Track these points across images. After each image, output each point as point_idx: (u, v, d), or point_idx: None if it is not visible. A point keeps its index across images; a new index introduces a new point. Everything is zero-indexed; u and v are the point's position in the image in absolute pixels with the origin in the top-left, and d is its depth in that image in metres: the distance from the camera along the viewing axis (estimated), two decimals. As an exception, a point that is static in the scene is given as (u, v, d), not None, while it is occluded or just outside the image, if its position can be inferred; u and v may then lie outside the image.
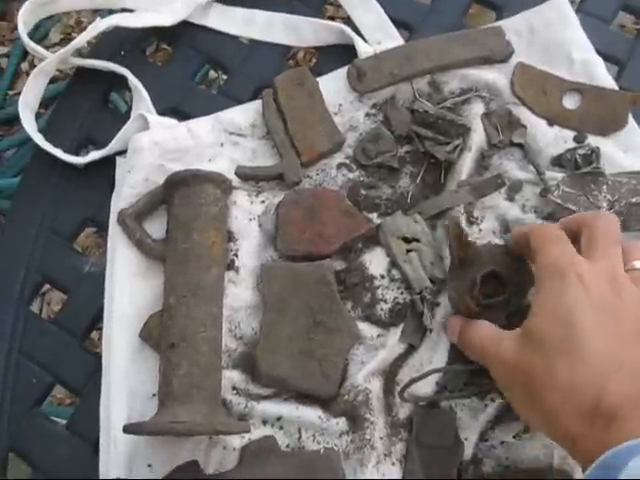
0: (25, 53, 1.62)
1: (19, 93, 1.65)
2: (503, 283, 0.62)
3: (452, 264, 0.64)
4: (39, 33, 1.61)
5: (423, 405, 0.63)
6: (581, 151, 0.70)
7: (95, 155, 0.72)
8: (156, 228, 0.68)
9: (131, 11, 0.78)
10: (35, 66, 0.76)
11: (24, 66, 1.63)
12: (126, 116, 0.74)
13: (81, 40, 0.73)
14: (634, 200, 0.66)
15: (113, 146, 0.71)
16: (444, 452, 0.62)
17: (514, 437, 0.62)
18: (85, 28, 0.75)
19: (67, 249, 0.72)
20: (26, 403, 0.67)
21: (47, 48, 0.79)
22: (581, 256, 0.55)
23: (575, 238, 0.57)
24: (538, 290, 0.55)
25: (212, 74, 1.52)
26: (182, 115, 0.74)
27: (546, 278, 0.55)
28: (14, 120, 1.62)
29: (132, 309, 0.65)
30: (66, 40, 1.60)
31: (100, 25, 0.74)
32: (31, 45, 0.75)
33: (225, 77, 0.80)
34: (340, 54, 0.76)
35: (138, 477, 0.61)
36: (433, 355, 0.64)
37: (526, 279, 0.62)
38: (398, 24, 0.77)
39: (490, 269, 0.61)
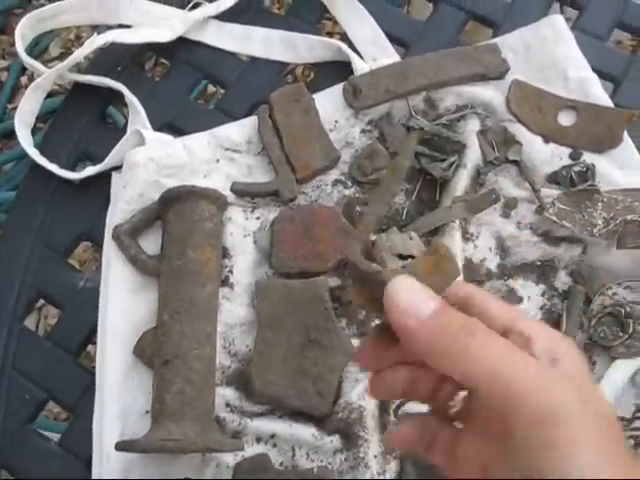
0: (24, 67, 1.62)
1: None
2: None
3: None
4: (38, 48, 1.61)
5: (418, 423, 0.63)
6: (577, 168, 0.70)
7: (91, 171, 0.72)
8: (151, 244, 0.68)
9: (129, 27, 0.78)
10: (34, 80, 0.77)
11: (24, 80, 1.63)
12: (122, 131, 0.74)
13: (79, 55, 0.73)
14: (630, 217, 0.66)
15: (109, 161, 0.71)
16: (439, 470, 0.61)
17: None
18: (84, 43, 0.75)
19: (62, 264, 0.72)
20: (19, 419, 0.67)
21: (46, 62, 0.80)
22: None
23: None
24: None
25: (211, 89, 1.52)
26: (178, 131, 0.74)
27: None
28: (13, 133, 1.61)
29: (126, 325, 0.65)
30: (65, 54, 1.60)
31: (98, 40, 0.74)
32: (28, 60, 0.76)
33: (223, 91, 0.80)
34: (337, 70, 0.76)
35: (131, 494, 0.61)
36: (428, 373, 0.63)
37: None
38: (394, 40, 0.77)
39: None
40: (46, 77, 0.74)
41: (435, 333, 0.37)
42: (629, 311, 0.65)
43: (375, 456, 0.61)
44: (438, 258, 0.41)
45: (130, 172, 0.69)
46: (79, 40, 1.64)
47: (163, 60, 1.37)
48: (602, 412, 0.35)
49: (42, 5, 1.73)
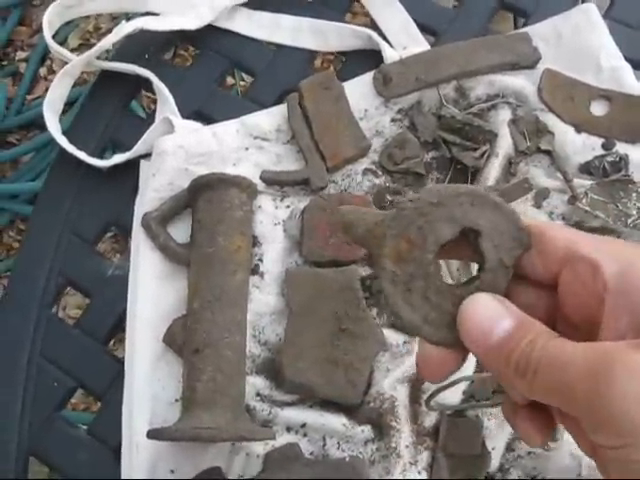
0: (43, 58, 1.62)
1: (37, 98, 1.67)
2: None
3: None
4: (58, 38, 1.60)
5: (449, 414, 0.62)
6: (609, 158, 0.69)
7: (119, 158, 0.71)
8: (180, 232, 0.67)
9: (155, 14, 0.77)
10: (54, 71, 0.77)
11: (42, 71, 1.63)
12: (149, 120, 0.74)
13: (106, 43, 0.73)
14: (665, 208, 0.65)
15: (138, 149, 0.71)
16: (471, 461, 0.61)
17: (541, 447, 0.61)
18: (103, 34, 0.76)
19: (90, 252, 0.71)
20: (47, 407, 0.67)
21: None
22: None
23: None
24: None
25: (229, 80, 1.52)
26: (206, 119, 0.74)
27: None
28: (32, 124, 1.63)
29: (155, 313, 0.65)
30: (85, 46, 1.60)
31: (126, 28, 0.73)
32: (56, 47, 0.75)
33: (242, 83, 0.79)
34: (362, 59, 0.76)
35: (161, 483, 0.61)
36: (460, 363, 0.63)
37: None
38: (423, 29, 0.77)
39: None
40: (74, 64, 0.74)
41: (501, 363, 0.34)
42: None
43: (407, 446, 0.61)
44: None
45: (159, 160, 0.68)
46: (98, 31, 1.64)
47: (182, 52, 1.38)
48: None
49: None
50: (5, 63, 1.73)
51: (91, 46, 0.77)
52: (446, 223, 0.37)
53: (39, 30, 1.69)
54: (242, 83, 1.34)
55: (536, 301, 0.37)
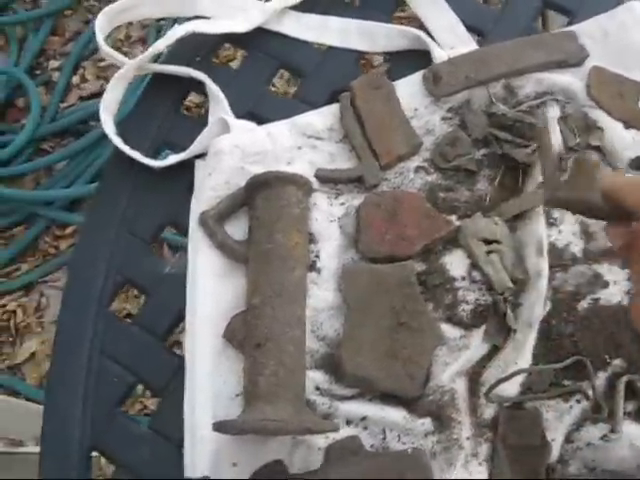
0: (76, 67, 1.64)
1: (70, 106, 1.69)
2: None
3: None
4: (89, 48, 1.63)
5: (508, 406, 0.63)
6: (660, 153, 0.69)
7: (175, 158, 0.73)
8: (236, 230, 0.68)
9: (205, 18, 0.79)
10: (86, 80, 0.78)
11: (75, 79, 1.65)
12: (201, 121, 0.75)
13: (159, 46, 0.74)
14: None
15: (193, 149, 0.72)
16: (531, 452, 0.61)
17: (600, 439, 0.61)
18: (134, 42, 0.77)
19: (146, 251, 0.73)
20: (108, 403, 0.68)
21: (97, 62, 0.80)
22: None
23: None
24: None
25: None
26: (257, 119, 0.75)
27: None
28: (65, 132, 1.65)
29: (214, 310, 0.66)
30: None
31: (178, 31, 0.75)
32: (108, 50, 0.76)
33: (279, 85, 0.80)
34: (407, 60, 0.77)
35: (224, 476, 0.62)
36: (517, 356, 0.64)
37: None
38: (469, 29, 0.78)
39: None
40: (129, 67, 0.76)
41: None
42: None
43: (468, 438, 0.61)
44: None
45: (215, 159, 0.70)
46: (129, 40, 1.66)
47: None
48: None
49: (92, 6, 1.77)
50: (38, 72, 1.76)
51: (123, 54, 0.79)
52: None
53: (71, 39, 1.71)
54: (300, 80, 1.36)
55: None
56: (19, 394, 1.47)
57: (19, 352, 1.55)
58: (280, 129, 0.72)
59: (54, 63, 1.73)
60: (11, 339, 1.57)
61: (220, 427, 0.59)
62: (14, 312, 1.58)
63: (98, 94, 1.61)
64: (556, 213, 0.69)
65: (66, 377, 0.69)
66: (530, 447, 0.61)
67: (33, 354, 1.54)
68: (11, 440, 1.27)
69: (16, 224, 1.64)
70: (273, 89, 1.39)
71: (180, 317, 0.69)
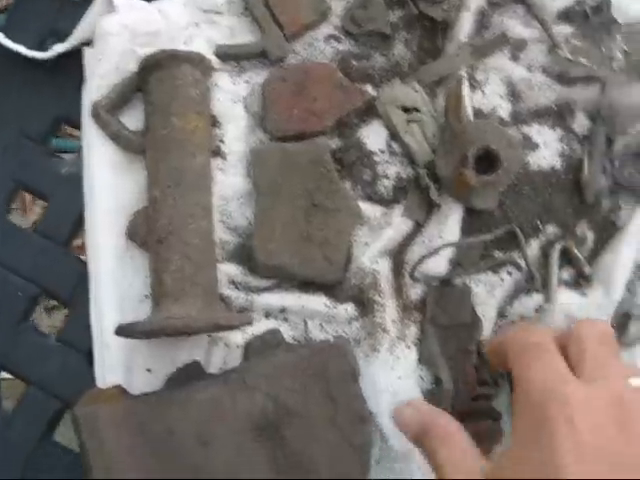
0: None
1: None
2: (495, 162, 0.57)
3: (443, 139, 0.59)
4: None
5: (436, 284, 0.59)
6: (590, 2, 0.63)
7: (60, 47, 0.65)
8: (133, 120, 0.62)
9: None
10: None
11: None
12: (90, 3, 0.68)
13: None
14: (651, 47, 0.61)
15: (78, 35, 0.64)
16: (461, 331, 0.58)
17: (535, 311, 0.58)
18: None
19: (41, 152, 0.66)
20: (13, 317, 0.63)
21: None
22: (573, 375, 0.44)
23: (563, 349, 0.46)
24: (515, 429, 0.44)
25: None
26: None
27: (526, 413, 0.43)
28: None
29: (115, 207, 0.60)
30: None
31: None
32: None
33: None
34: None
35: (138, 383, 0.58)
36: (443, 230, 0.59)
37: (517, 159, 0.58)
38: None
39: (485, 145, 0.57)
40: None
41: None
42: (656, 148, 0.60)
43: (393, 321, 0.58)
44: None
45: (103, 42, 0.62)
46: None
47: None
48: None
49: None
50: None
51: None
52: None
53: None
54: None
55: None
56: None
57: None
58: (174, 5, 0.65)
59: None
60: None
61: (122, 331, 0.54)
62: None
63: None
64: (480, 75, 0.63)
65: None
66: (460, 325, 0.58)
67: None
68: None
69: None
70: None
71: (82, 220, 0.63)
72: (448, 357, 0.57)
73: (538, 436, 0.41)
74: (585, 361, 0.44)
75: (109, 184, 0.61)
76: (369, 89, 0.63)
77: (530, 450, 0.41)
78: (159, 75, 0.60)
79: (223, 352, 0.58)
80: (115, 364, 0.58)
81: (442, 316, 0.58)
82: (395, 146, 0.61)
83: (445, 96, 0.60)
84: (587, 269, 0.59)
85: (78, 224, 0.64)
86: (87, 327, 0.60)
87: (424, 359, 0.57)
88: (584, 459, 0.39)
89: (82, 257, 0.63)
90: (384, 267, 0.59)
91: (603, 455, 0.39)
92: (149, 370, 0.58)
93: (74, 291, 0.63)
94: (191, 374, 0.57)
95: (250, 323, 0.57)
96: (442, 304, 0.58)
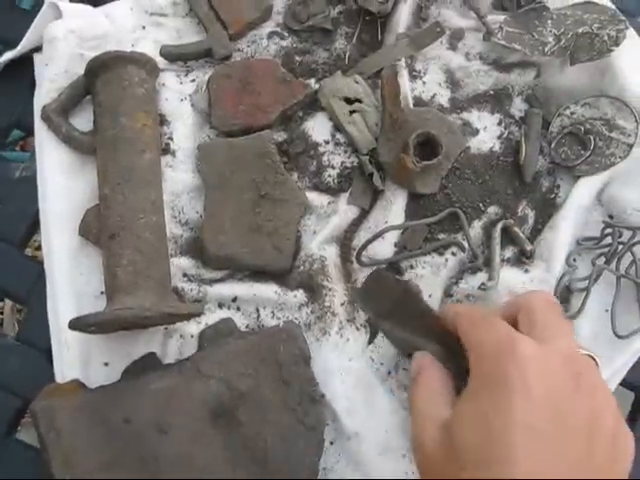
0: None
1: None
2: (436, 147, 0.59)
3: (384, 127, 0.61)
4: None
5: (383, 268, 0.60)
6: (522, -10, 0.66)
7: (10, 55, 0.67)
8: (83, 121, 0.63)
9: None
10: None
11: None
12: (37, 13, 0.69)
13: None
14: (580, 30, 0.63)
15: (27, 42, 0.66)
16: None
17: (479, 288, 0.59)
18: None
19: (-7, 158, 0.68)
20: (-28, 320, 0.64)
21: None
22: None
23: (513, 323, 0.47)
24: (470, 387, 0.45)
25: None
26: (95, 2, 0.69)
27: (481, 371, 0.44)
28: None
29: (68, 207, 0.62)
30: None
31: None
32: None
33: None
34: None
35: (96, 377, 0.58)
36: (388, 215, 0.61)
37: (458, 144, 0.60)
38: None
39: (425, 131, 0.59)
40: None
41: None
42: (589, 128, 0.62)
43: (342, 304, 0.59)
44: None
45: (51, 48, 0.64)
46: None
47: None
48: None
49: None
50: None
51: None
52: None
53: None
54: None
55: None
56: None
57: None
58: (120, 9, 0.66)
59: None
60: None
61: (75, 324, 0.55)
62: None
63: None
64: (419, 65, 0.65)
65: None
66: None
67: None
68: None
69: None
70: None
71: (37, 222, 0.64)
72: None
73: (492, 390, 0.42)
74: (536, 325, 0.46)
75: (62, 185, 0.62)
76: (312, 83, 0.64)
77: (484, 403, 0.42)
78: (106, 76, 0.61)
79: (178, 343, 0.59)
80: (73, 360, 0.59)
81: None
82: (339, 136, 0.63)
83: (380, 85, 0.62)
84: (528, 246, 0.60)
85: (33, 226, 0.65)
86: (46, 326, 0.61)
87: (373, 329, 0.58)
88: (534, 410, 0.41)
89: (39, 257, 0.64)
90: (332, 253, 0.60)
91: (554, 405, 0.41)
92: (106, 364, 0.59)
93: (31, 291, 0.63)
94: (147, 365, 0.58)
95: (201, 311, 0.58)
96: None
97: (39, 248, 0.64)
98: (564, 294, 0.60)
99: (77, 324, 0.55)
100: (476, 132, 0.64)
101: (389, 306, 0.51)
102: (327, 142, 0.63)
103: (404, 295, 0.51)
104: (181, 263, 0.61)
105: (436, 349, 0.49)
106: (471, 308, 0.53)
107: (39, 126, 0.64)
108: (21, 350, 0.63)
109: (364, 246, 0.59)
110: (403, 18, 0.65)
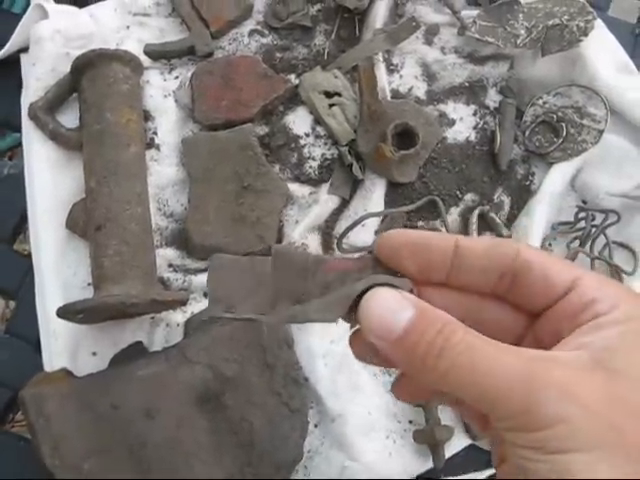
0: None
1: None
2: (413, 138, 0.61)
3: (362, 119, 0.63)
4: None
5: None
6: (494, -15, 0.68)
7: (-3, 55, 0.68)
8: (70, 118, 0.65)
9: None
10: None
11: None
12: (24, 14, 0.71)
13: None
14: (551, 23, 0.65)
15: (14, 43, 0.68)
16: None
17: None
18: None
19: (-18, 156, 0.69)
20: (-38, 315, 0.65)
21: None
22: None
23: None
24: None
25: None
26: (80, 3, 0.70)
27: None
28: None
29: (55, 202, 0.63)
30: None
31: None
32: None
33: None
34: None
35: (84, 367, 0.60)
36: (368, 204, 0.62)
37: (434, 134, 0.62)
38: None
39: (403, 122, 0.61)
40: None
41: (407, 355, 0.29)
42: (561, 116, 0.64)
43: (323, 290, 0.60)
44: None
45: (37, 47, 0.66)
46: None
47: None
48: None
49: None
50: None
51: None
52: None
53: None
54: None
55: (512, 323, 0.33)
56: None
57: None
58: (104, 10, 0.68)
59: None
60: None
61: (63, 312, 0.57)
62: None
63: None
64: (396, 59, 0.67)
65: None
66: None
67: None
68: None
69: None
70: None
71: (25, 217, 0.65)
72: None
73: None
74: None
75: (49, 181, 0.64)
76: (293, 78, 0.66)
77: None
78: (91, 74, 0.63)
79: (165, 332, 0.60)
80: (61, 350, 0.60)
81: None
82: (319, 129, 0.65)
83: (357, 77, 0.63)
84: (505, 232, 0.62)
85: (21, 222, 0.66)
86: (34, 318, 0.62)
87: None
88: None
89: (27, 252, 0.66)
90: (314, 241, 0.62)
91: None
92: (94, 353, 0.60)
93: (20, 284, 0.65)
94: (134, 353, 0.60)
95: (185, 299, 0.59)
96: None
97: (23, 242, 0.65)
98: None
99: (65, 312, 0.56)
100: (452, 123, 0.66)
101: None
102: (307, 135, 0.65)
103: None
104: (166, 254, 0.62)
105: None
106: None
107: (27, 124, 0.65)
108: (10, 343, 0.64)
109: (344, 233, 0.60)
110: (380, 14, 0.67)
